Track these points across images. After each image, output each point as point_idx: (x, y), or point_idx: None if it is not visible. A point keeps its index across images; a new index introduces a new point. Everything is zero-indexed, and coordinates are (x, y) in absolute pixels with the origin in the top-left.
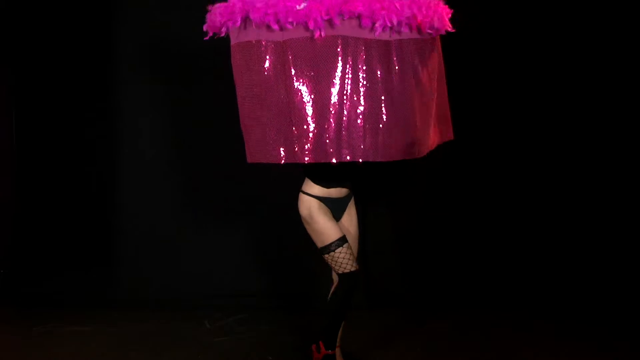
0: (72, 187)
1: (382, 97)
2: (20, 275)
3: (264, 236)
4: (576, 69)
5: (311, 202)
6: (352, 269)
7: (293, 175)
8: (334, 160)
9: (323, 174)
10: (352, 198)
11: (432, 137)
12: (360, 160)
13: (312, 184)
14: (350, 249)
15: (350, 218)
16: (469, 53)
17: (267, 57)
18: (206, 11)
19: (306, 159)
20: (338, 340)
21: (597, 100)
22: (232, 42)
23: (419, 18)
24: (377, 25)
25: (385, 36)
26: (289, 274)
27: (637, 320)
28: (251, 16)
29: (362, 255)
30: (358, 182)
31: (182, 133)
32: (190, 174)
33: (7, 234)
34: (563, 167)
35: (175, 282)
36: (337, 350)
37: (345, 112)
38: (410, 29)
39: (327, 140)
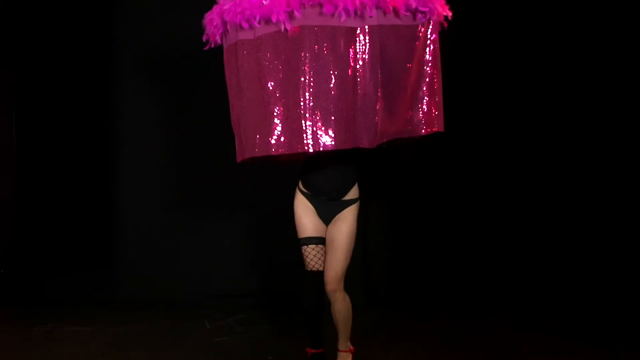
0: (72, 187)
1: (345, 87)
2: (20, 275)
3: (265, 236)
4: (576, 68)
5: (298, 195)
6: (314, 269)
7: (294, 176)
8: (309, 150)
9: (306, 177)
10: (347, 212)
11: (398, 125)
12: (334, 147)
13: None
14: (321, 251)
15: (337, 230)
16: (468, 51)
17: (244, 57)
18: (206, 12)
19: (273, 150)
20: (346, 342)
21: (597, 100)
22: (224, 47)
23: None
24: (339, 10)
25: (352, 22)
26: (290, 274)
27: (637, 320)
28: (225, 18)
29: (362, 255)
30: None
31: (182, 133)
32: (190, 174)
33: (7, 234)
34: (563, 167)
35: (175, 282)
36: (344, 354)
37: (311, 104)
38: (384, 12)
39: (297, 132)
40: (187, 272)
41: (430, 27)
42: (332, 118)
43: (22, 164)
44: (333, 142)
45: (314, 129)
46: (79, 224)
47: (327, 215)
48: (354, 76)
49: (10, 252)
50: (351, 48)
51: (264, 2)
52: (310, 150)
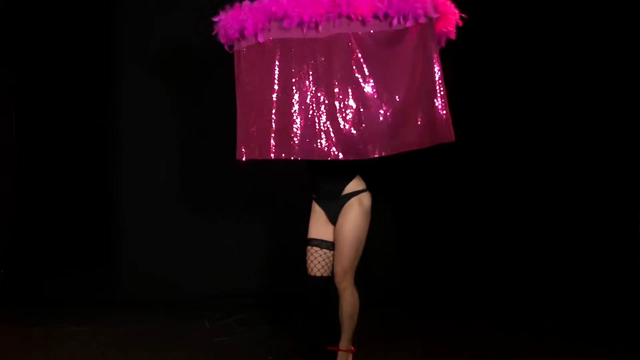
0: (72, 187)
1: (316, 96)
2: (20, 275)
3: (265, 236)
4: (575, 70)
5: (313, 201)
6: (311, 274)
7: (293, 177)
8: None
9: (312, 181)
10: (348, 206)
11: (406, 137)
12: (292, 158)
13: None
14: (321, 255)
15: (340, 226)
16: (469, 54)
17: (235, 64)
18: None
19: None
20: (348, 342)
21: (597, 100)
22: None
23: (345, 7)
24: (296, 22)
25: (312, 33)
26: (290, 274)
27: (637, 320)
28: (221, 29)
29: (362, 255)
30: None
31: (182, 133)
32: (190, 174)
33: (7, 234)
34: (562, 168)
35: (175, 282)
36: (343, 354)
37: (282, 113)
38: (349, 20)
39: (270, 141)
40: (187, 272)
41: (427, 30)
42: (292, 132)
43: (22, 164)
44: (274, 154)
45: (274, 143)
46: (79, 224)
47: (332, 214)
48: (317, 89)
49: (10, 252)
50: (312, 60)
51: (244, 17)
52: (282, 157)
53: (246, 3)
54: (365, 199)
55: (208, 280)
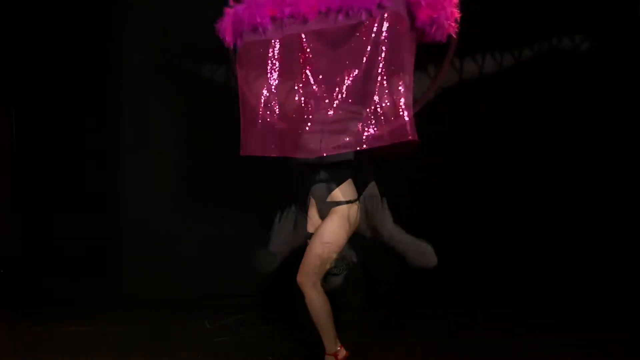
0: (71, 187)
1: (272, 96)
2: (20, 275)
3: (265, 236)
4: (576, 67)
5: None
6: None
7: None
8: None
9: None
10: (331, 213)
11: (354, 136)
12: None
13: None
14: None
15: (319, 227)
16: (469, 50)
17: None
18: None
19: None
20: (328, 345)
21: (597, 99)
22: None
23: (286, 7)
24: (249, 26)
25: (269, 34)
26: (290, 273)
27: (637, 320)
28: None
29: (362, 255)
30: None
31: (182, 133)
32: (190, 174)
33: (7, 234)
34: (562, 167)
35: (175, 282)
36: (327, 358)
37: (249, 112)
38: (293, 17)
39: (244, 138)
40: (187, 272)
41: (389, 22)
42: (256, 130)
43: (22, 164)
44: (243, 151)
45: (244, 140)
46: (78, 223)
47: (319, 213)
48: (273, 88)
49: (10, 252)
50: (270, 61)
51: (222, 23)
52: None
53: (226, 10)
54: (347, 211)
55: (208, 280)
